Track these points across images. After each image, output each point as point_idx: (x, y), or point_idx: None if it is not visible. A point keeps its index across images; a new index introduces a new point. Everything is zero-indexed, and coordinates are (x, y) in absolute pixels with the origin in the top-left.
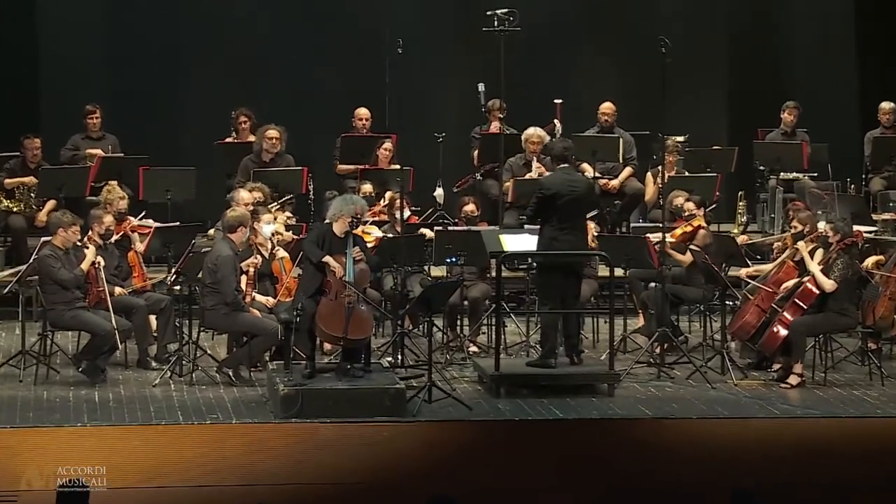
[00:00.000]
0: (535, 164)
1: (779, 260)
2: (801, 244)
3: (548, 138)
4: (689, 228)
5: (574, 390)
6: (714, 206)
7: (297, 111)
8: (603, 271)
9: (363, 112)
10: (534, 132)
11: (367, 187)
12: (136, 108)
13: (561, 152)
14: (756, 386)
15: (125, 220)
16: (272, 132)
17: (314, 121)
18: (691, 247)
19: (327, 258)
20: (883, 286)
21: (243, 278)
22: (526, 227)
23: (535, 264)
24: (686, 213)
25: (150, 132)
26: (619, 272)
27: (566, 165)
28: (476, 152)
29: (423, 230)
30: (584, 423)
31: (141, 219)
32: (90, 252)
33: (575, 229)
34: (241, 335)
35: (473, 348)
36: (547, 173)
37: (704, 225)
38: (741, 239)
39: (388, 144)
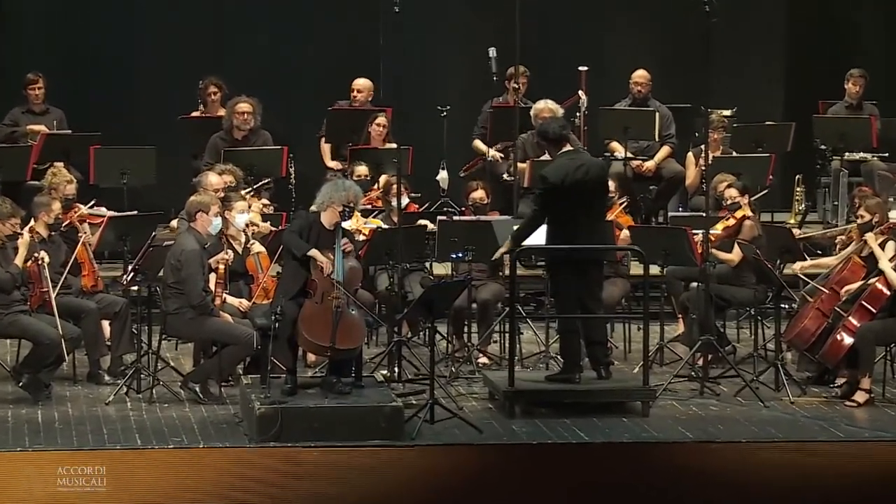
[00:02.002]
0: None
1: (842, 255)
2: (869, 236)
3: (561, 112)
4: (731, 221)
5: (602, 409)
6: (766, 191)
7: (275, 81)
8: (636, 269)
9: (362, 83)
10: (544, 106)
11: (362, 169)
12: (86, 77)
13: (558, 133)
14: (816, 404)
15: (73, 208)
16: (243, 105)
17: (296, 92)
18: (738, 240)
19: (314, 252)
20: None
21: (212, 277)
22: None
23: (546, 263)
24: (728, 202)
25: (103, 105)
26: (654, 270)
27: (569, 148)
28: (484, 130)
29: (424, 220)
30: (614, 448)
31: (91, 207)
32: (22, 243)
33: (590, 222)
34: (210, 344)
35: (483, 360)
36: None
37: (750, 214)
38: (799, 231)
39: (381, 119)
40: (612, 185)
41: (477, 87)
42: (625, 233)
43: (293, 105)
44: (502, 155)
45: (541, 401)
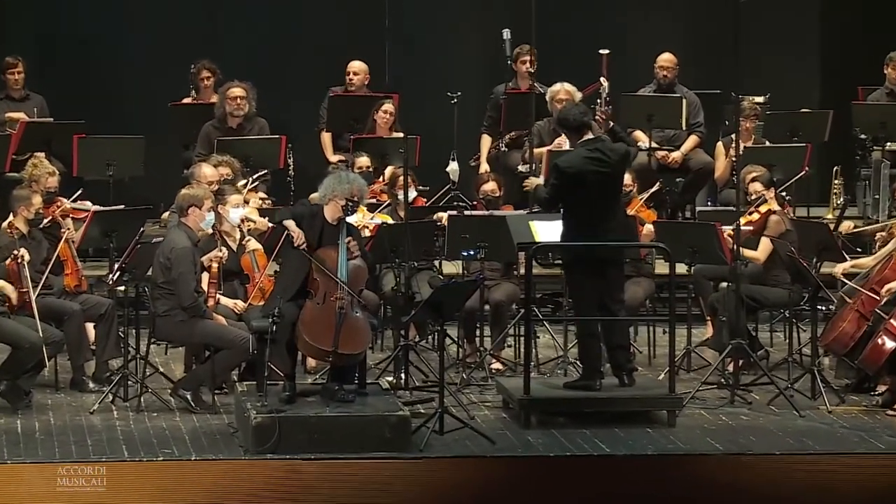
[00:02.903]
0: (564, 144)
1: (882, 253)
2: None
3: (578, 95)
4: (755, 216)
5: (624, 419)
6: (802, 173)
7: (273, 65)
8: (661, 268)
9: (358, 66)
10: (560, 88)
11: (363, 160)
12: (69, 61)
13: (578, 120)
14: (856, 413)
15: (55, 202)
16: (236, 90)
17: (295, 77)
18: (770, 237)
19: (288, 222)
20: None
21: (205, 276)
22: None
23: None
24: (752, 196)
25: (87, 91)
26: (681, 269)
27: (590, 137)
28: (492, 121)
29: (436, 214)
30: (638, 461)
31: (75, 200)
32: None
33: (611, 216)
34: (202, 348)
35: (497, 365)
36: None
37: (776, 209)
38: (844, 226)
39: (387, 106)
40: (627, 177)
41: (490, 71)
42: (648, 228)
43: (291, 92)
44: (505, 149)
45: (558, 410)
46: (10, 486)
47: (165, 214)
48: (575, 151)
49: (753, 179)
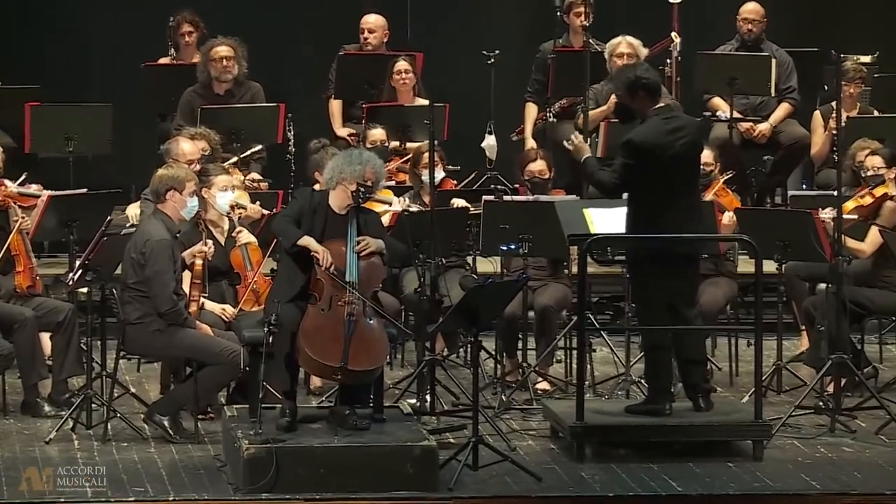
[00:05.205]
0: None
1: None
2: None
3: (644, 51)
4: (868, 199)
5: (700, 451)
6: None
7: (269, 18)
8: (745, 265)
9: (374, 21)
10: (621, 40)
11: (377, 133)
12: (20, 14)
13: (651, 85)
14: None
15: (0, 186)
16: (221, 48)
17: (296, 33)
18: (881, 227)
19: (305, 239)
20: None
21: (186, 276)
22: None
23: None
24: (868, 174)
25: (42, 48)
26: (770, 267)
27: (661, 105)
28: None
29: (453, 200)
30: (717, 503)
31: (22, 183)
32: None
33: (686, 204)
34: (183, 364)
35: (543, 385)
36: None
37: (895, 193)
38: None
39: (401, 65)
40: (708, 154)
41: (536, 25)
42: (729, 216)
43: (291, 50)
44: (554, 119)
45: (619, 439)
46: None
47: (134, 207)
48: (649, 122)
49: (873, 153)
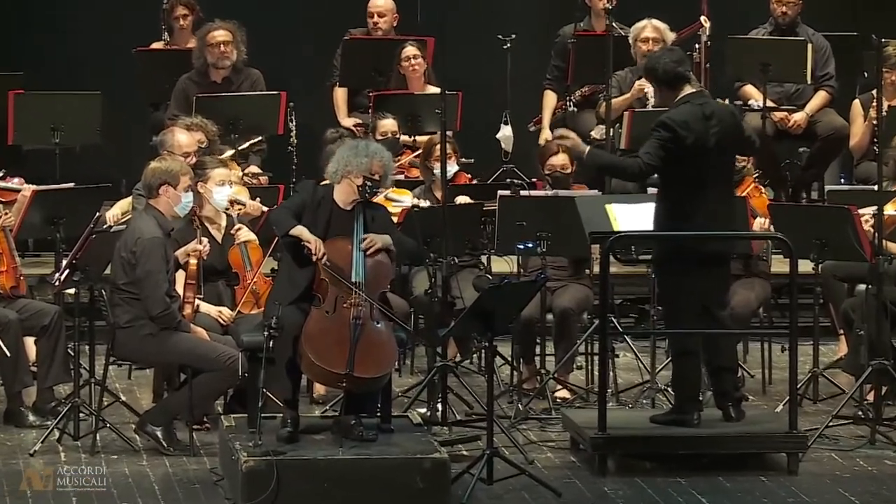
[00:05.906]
0: (647, 88)
1: None
2: None
3: (671, 36)
4: None
5: (731, 464)
6: None
7: (266, 2)
8: (779, 265)
9: (384, 4)
10: (647, 24)
11: (388, 124)
12: None
13: (673, 70)
14: None
15: None
16: (219, 33)
17: (298, 17)
18: None
19: (298, 229)
20: None
21: (180, 276)
22: (650, 190)
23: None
24: None
25: (27, 32)
26: (806, 267)
27: (691, 90)
28: (558, 72)
29: (457, 197)
30: None
31: (3, 177)
32: None
33: (719, 195)
34: (177, 371)
35: (563, 393)
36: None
37: None
38: None
39: (409, 50)
40: None
41: (555, 7)
42: (759, 222)
43: (293, 35)
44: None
45: (644, 452)
46: None
47: (128, 199)
48: (683, 107)
49: None
